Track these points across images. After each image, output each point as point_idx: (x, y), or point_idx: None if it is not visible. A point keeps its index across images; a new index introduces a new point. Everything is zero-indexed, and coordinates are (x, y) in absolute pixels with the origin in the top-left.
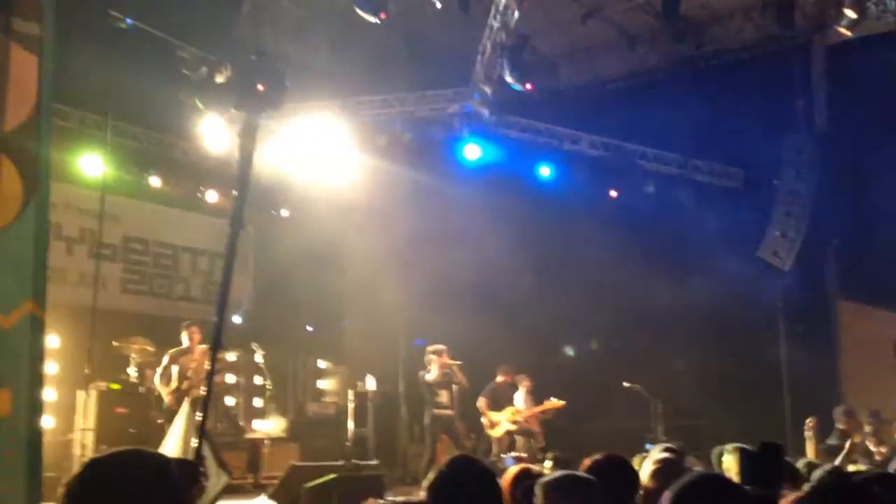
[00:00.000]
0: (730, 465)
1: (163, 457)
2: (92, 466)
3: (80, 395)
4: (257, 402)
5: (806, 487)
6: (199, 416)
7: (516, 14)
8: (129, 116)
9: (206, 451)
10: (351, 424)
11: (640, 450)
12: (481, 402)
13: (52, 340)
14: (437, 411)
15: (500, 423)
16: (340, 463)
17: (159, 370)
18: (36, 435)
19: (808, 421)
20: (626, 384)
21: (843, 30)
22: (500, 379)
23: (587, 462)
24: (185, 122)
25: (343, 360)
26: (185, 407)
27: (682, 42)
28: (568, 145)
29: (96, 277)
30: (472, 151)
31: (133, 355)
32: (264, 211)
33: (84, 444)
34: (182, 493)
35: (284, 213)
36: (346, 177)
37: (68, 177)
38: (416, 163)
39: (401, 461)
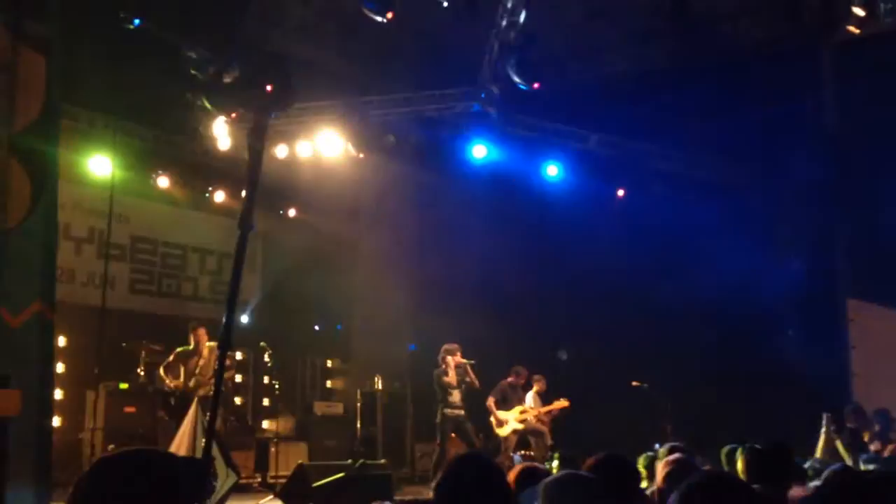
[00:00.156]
0: (738, 463)
1: (172, 456)
2: (101, 466)
3: (89, 394)
4: (265, 402)
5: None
6: (207, 415)
7: (524, 13)
8: (137, 117)
9: (215, 451)
10: (359, 424)
11: (649, 449)
12: (490, 401)
13: (61, 340)
14: (448, 410)
15: (507, 421)
16: (349, 462)
17: (163, 365)
18: (45, 434)
19: (825, 415)
20: (634, 383)
21: (851, 28)
22: (510, 378)
23: (589, 461)
24: (193, 122)
25: (351, 359)
26: (193, 406)
27: (689, 41)
28: (575, 144)
29: (105, 277)
30: (479, 151)
31: (142, 355)
32: (271, 211)
33: (93, 443)
34: (191, 492)
35: (292, 212)
36: (353, 176)
37: (77, 177)
38: (423, 162)
39: (409, 460)
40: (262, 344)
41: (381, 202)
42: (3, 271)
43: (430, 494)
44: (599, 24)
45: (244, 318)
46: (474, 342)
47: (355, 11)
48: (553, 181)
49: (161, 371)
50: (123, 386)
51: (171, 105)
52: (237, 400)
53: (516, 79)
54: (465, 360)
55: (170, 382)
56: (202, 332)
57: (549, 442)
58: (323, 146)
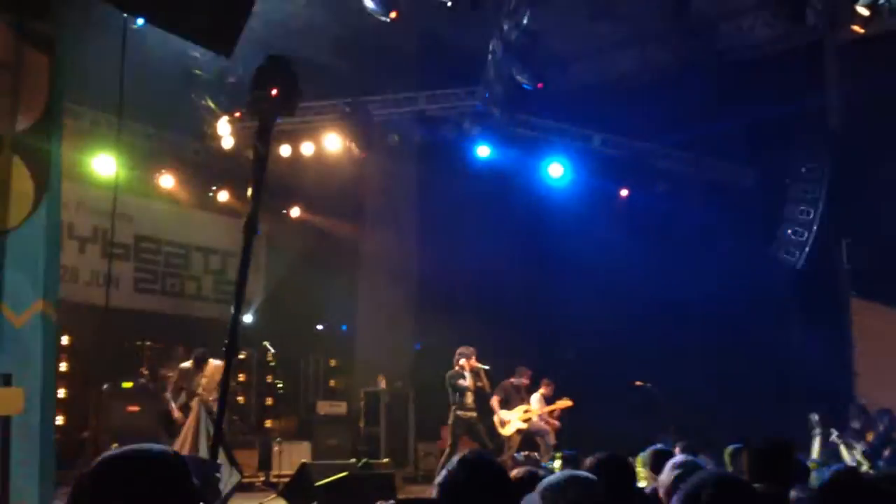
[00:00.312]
0: (740, 463)
1: (176, 455)
2: (104, 464)
3: (92, 393)
4: (269, 401)
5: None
6: (212, 415)
7: (527, 13)
8: (141, 116)
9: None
10: (362, 423)
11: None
12: (493, 401)
13: (64, 339)
14: (461, 413)
15: (510, 421)
16: (352, 461)
17: (171, 390)
18: (48, 433)
19: (812, 417)
20: (637, 383)
21: (856, 28)
22: (513, 379)
23: (589, 461)
24: (197, 122)
25: (354, 358)
26: (195, 407)
27: (693, 40)
28: (578, 144)
29: (108, 276)
30: (483, 151)
31: (145, 354)
32: (274, 211)
33: (96, 442)
34: (195, 491)
35: (295, 212)
36: (356, 176)
37: (80, 176)
38: (427, 162)
39: (412, 460)
40: (265, 343)
41: (384, 201)
42: (6, 270)
43: (432, 493)
44: (603, 24)
45: (247, 318)
46: (476, 342)
47: (359, 10)
48: (557, 180)
49: (167, 394)
50: (127, 385)
51: (176, 105)
52: (240, 399)
53: (520, 78)
54: (479, 365)
55: (175, 413)
56: (205, 352)
57: (553, 442)
58: (326, 146)
